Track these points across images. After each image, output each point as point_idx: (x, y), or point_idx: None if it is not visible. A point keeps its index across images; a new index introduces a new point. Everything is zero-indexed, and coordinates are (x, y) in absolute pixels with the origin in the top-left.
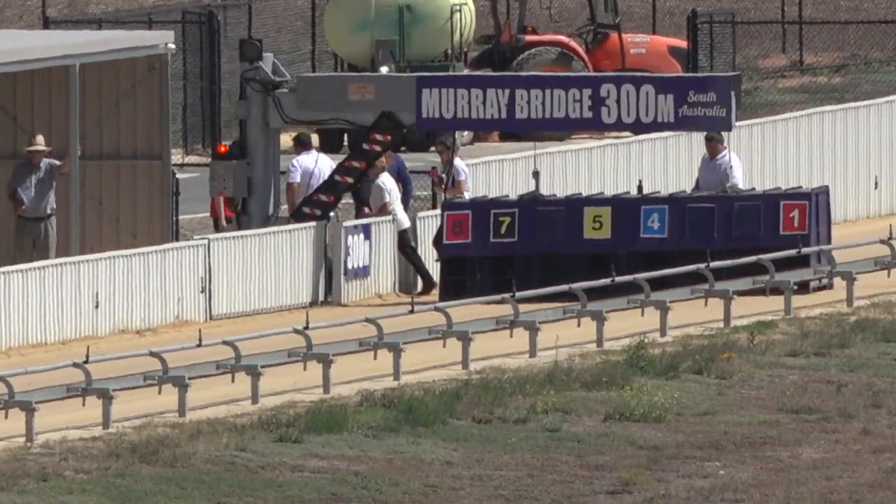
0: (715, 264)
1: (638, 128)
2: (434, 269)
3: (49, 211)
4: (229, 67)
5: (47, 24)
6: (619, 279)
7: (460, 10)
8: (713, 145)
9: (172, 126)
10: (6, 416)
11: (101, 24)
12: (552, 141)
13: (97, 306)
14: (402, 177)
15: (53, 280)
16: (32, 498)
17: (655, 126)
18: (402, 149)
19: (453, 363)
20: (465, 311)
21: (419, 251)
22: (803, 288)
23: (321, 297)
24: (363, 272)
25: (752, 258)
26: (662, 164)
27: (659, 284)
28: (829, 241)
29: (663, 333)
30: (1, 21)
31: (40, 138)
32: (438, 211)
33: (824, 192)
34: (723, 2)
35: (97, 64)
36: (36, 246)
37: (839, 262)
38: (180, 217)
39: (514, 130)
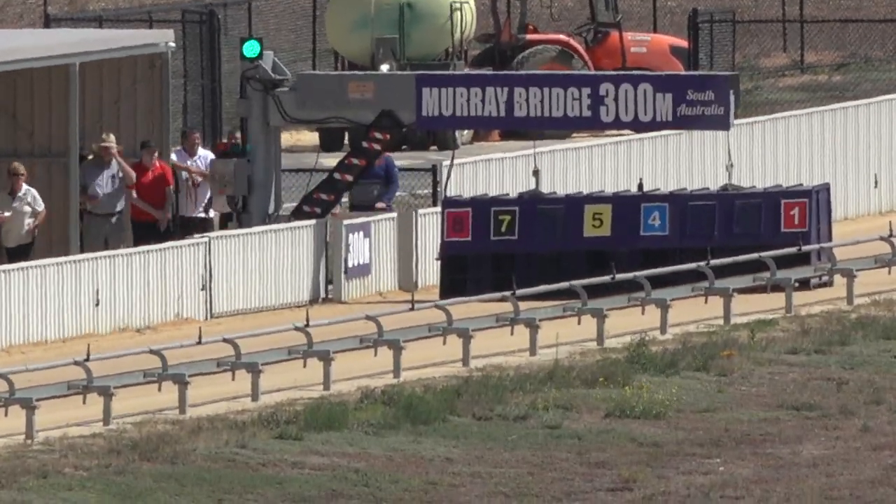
0: (715, 262)
1: (636, 126)
2: (430, 267)
3: (119, 208)
4: (230, 66)
5: (48, 22)
6: (619, 277)
7: (461, 9)
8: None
9: (173, 124)
10: (7, 414)
11: (101, 23)
12: (553, 139)
13: (98, 304)
14: (388, 176)
15: (54, 278)
16: (33, 495)
17: (654, 125)
18: (403, 147)
19: (454, 360)
20: (466, 308)
21: (417, 250)
22: (804, 285)
23: (321, 295)
24: (363, 270)
25: (753, 255)
26: (663, 162)
27: (659, 282)
28: (829, 238)
29: (664, 331)
30: (2, 19)
31: (112, 137)
32: (438, 208)
33: (825, 189)
34: (723, 1)
35: (97, 62)
36: (108, 243)
37: (839, 260)
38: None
39: (514, 129)
